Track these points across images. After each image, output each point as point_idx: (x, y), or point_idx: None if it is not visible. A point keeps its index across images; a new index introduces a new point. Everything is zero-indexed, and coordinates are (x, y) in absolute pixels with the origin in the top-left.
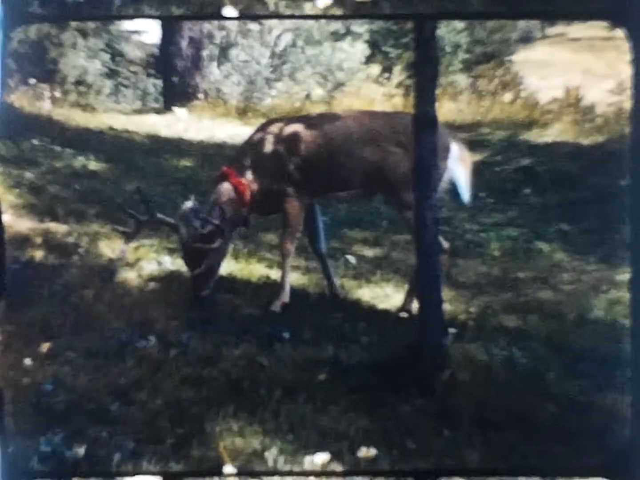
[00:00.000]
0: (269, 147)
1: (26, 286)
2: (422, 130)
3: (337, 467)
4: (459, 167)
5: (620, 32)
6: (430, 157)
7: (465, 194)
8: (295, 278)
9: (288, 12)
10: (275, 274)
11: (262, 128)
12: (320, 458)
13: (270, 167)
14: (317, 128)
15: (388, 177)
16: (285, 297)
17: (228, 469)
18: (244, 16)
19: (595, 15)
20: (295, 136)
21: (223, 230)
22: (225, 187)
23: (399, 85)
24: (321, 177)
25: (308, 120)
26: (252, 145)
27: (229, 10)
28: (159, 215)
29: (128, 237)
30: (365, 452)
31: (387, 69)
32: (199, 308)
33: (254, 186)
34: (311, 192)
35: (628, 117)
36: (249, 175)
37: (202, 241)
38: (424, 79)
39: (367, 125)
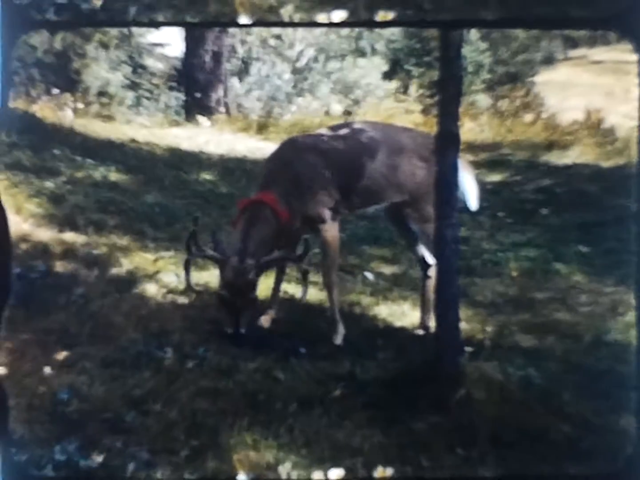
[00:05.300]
0: (307, 168)
1: (44, 295)
2: (445, 148)
3: None
4: (463, 174)
5: None
6: (452, 175)
7: (473, 200)
8: (312, 293)
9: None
10: (292, 288)
11: (291, 147)
12: (335, 474)
13: (308, 191)
14: (352, 142)
15: (415, 191)
16: (341, 330)
17: (242, 478)
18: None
19: (599, 25)
20: (335, 154)
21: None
22: (267, 216)
23: (417, 100)
24: (361, 193)
25: (338, 136)
26: (283, 167)
27: (244, 20)
28: (209, 252)
29: (186, 271)
30: (382, 471)
31: (405, 86)
32: (238, 344)
33: (288, 213)
34: (347, 211)
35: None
36: (285, 200)
37: (254, 274)
38: (448, 97)
39: (395, 138)
